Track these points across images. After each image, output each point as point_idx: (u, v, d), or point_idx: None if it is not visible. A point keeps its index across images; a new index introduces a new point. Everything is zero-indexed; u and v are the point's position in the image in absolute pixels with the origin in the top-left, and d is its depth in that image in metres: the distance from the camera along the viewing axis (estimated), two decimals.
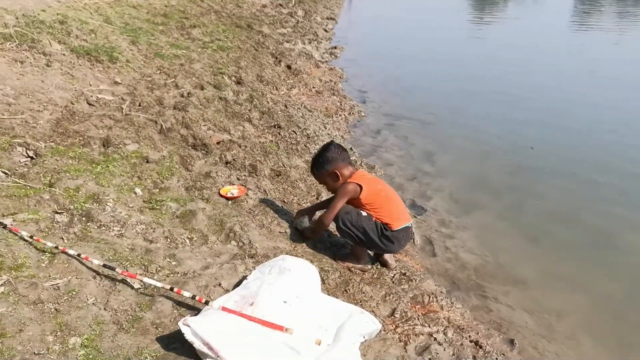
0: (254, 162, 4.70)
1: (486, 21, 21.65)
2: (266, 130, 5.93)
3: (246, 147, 5.03)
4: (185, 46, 7.79)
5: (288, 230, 3.72)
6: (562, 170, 6.18)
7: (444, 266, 4.12)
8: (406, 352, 2.79)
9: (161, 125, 4.82)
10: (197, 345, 2.17)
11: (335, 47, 12.78)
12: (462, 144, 6.96)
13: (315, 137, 6.16)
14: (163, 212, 3.41)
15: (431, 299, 3.45)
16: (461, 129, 7.59)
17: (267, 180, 4.53)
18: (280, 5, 15.98)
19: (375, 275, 3.57)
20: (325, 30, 15.24)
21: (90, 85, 5.34)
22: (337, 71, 10.38)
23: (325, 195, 4.66)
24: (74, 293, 2.43)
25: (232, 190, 4.00)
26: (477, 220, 4.95)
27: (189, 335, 2.18)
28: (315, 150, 4.01)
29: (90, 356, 2.11)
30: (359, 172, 3.61)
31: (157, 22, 8.55)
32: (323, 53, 12.16)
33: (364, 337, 2.67)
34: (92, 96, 5.06)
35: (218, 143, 5.02)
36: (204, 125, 5.21)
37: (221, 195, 3.93)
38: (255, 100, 6.63)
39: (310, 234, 3.67)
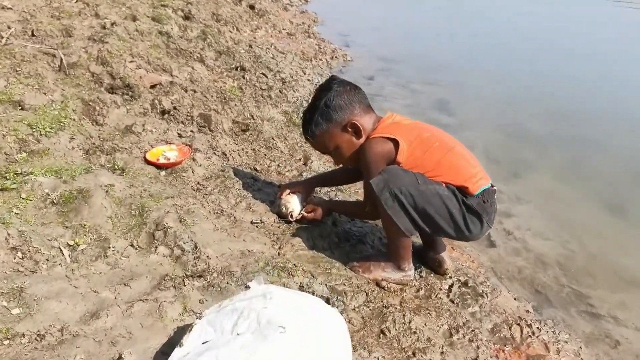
0: (207, 112, 3.07)
1: None
2: (225, 73, 4.25)
3: (195, 91, 3.38)
4: None
5: (266, 218, 2.14)
6: (622, 115, 4.77)
7: (513, 262, 2.61)
8: None
9: (61, 59, 3.11)
10: None
11: None
12: (481, 89, 5.44)
13: (293, 82, 4.52)
14: (22, 197, 1.76)
15: (524, 331, 1.95)
16: (476, 72, 6.06)
17: (228, 137, 2.91)
18: None
19: (422, 292, 2.03)
20: None
21: None
22: (309, 14, 8.70)
23: (317, 157, 3.08)
24: None
25: (167, 153, 2.36)
26: (533, 186, 3.46)
27: None
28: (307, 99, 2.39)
29: None
30: (386, 119, 2.03)
31: None
32: None
33: None
34: None
35: (153, 87, 3.34)
36: (131, 62, 3.50)
37: (148, 162, 2.30)
38: (209, 37, 4.91)
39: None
